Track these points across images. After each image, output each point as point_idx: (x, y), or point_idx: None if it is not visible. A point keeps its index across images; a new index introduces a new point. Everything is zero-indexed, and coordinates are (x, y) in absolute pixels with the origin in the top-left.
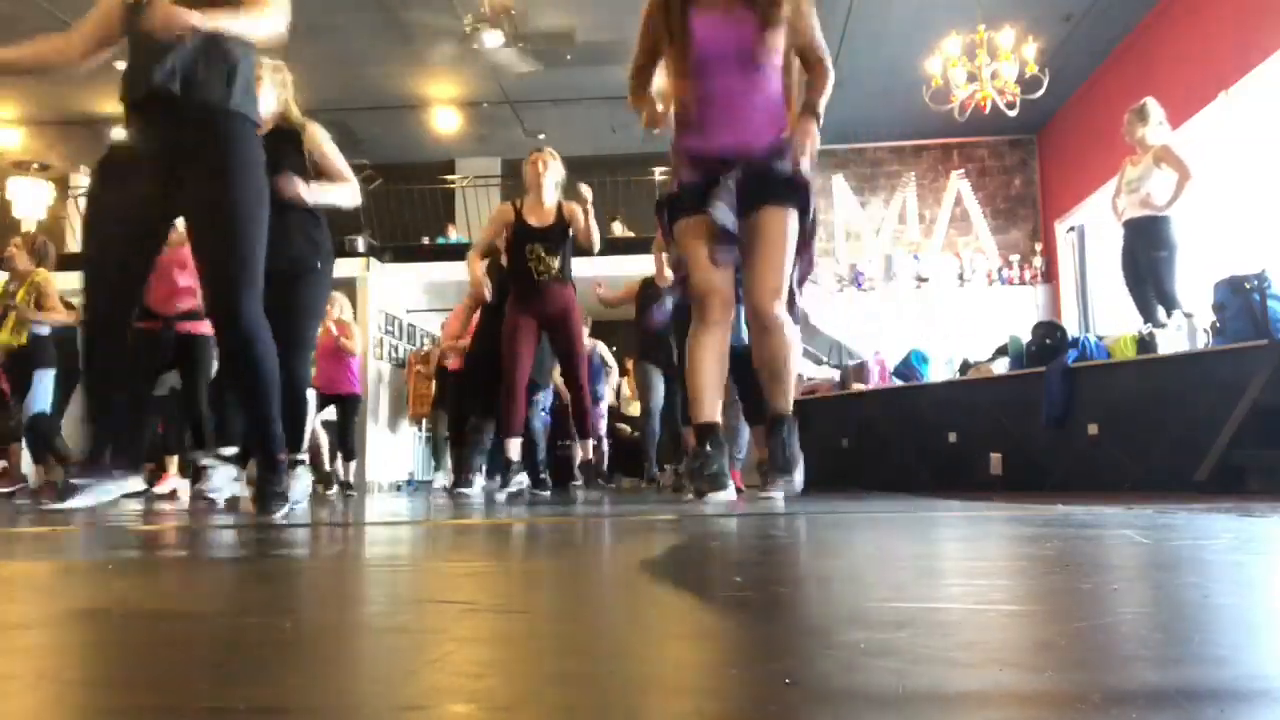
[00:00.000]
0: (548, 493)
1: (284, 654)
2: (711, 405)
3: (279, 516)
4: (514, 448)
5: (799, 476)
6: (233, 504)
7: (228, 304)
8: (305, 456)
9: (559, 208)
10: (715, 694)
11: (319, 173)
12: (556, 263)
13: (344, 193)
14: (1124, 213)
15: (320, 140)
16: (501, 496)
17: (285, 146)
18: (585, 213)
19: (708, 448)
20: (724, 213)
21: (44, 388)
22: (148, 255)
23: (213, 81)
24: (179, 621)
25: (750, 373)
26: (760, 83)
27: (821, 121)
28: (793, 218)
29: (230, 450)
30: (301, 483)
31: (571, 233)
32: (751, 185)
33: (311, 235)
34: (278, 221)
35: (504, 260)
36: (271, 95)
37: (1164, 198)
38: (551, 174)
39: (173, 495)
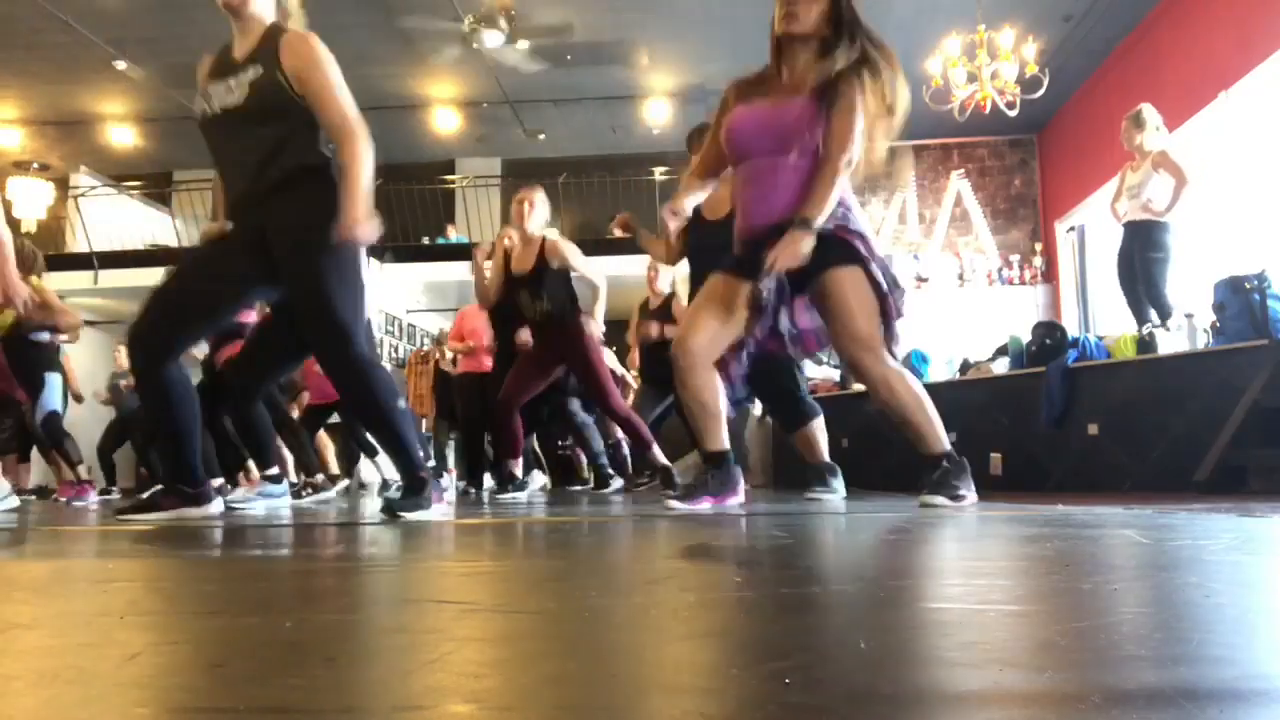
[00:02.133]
0: (616, 484)
1: (284, 654)
2: (717, 434)
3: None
4: (516, 466)
5: (940, 499)
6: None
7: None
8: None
9: (541, 248)
10: (715, 694)
11: None
12: (543, 305)
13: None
14: (1124, 216)
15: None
16: (524, 496)
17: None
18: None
19: (713, 470)
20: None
21: (54, 390)
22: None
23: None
24: (179, 621)
25: (770, 383)
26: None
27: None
28: (846, 272)
29: (272, 471)
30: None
31: (557, 266)
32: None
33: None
34: None
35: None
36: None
37: (1163, 203)
38: (537, 215)
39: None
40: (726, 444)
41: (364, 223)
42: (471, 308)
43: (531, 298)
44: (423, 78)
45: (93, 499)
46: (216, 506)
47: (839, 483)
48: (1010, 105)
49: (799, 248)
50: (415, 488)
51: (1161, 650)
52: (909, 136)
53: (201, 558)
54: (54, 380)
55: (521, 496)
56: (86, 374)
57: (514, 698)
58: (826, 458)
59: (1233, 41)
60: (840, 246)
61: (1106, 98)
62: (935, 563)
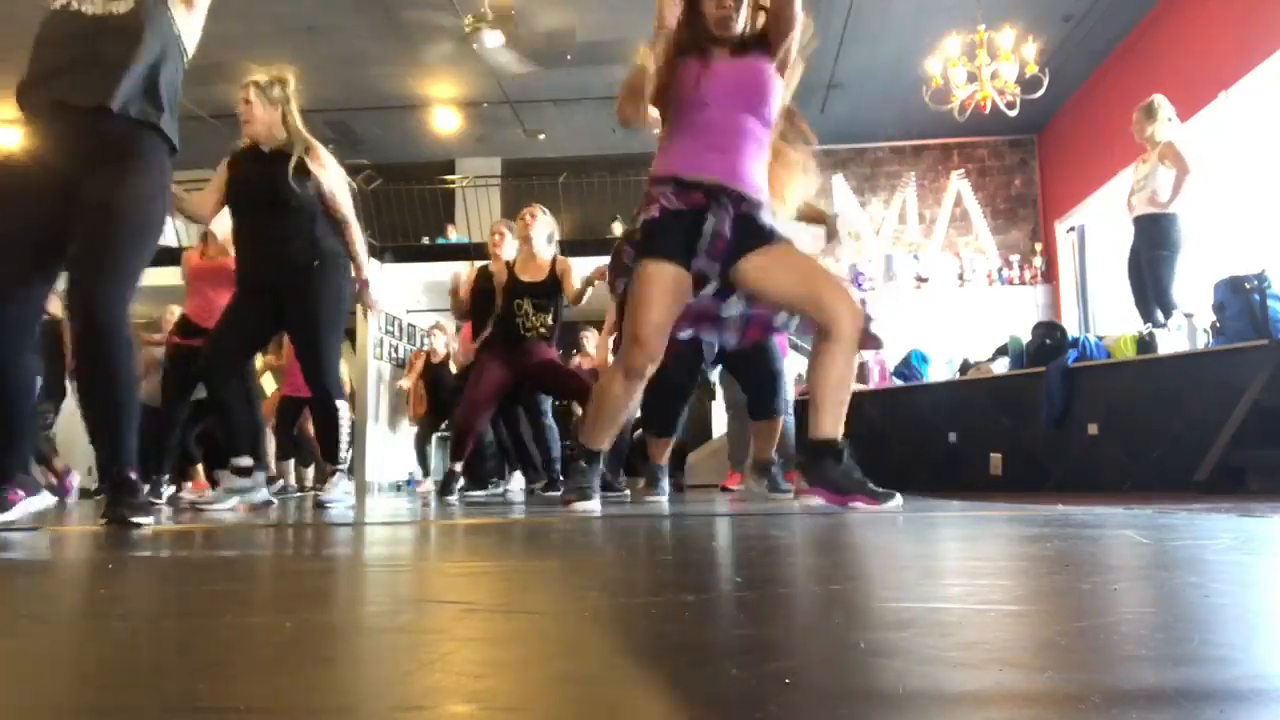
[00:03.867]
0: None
1: (284, 654)
2: (609, 436)
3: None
4: (457, 467)
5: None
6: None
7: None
8: (343, 467)
9: (553, 264)
10: (715, 694)
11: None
12: (546, 320)
13: (356, 232)
14: (1134, 210)
15: (325, 168)
16: (453, 498)
17: (283, 167)
18: (584, 282)
19: (585, 464)
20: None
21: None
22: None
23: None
24: (179, 621)
25: (750, 369)
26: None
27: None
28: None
29: (245, 461)
30: (339, 488)
31: (562, 288)
32: (742, 233)
33: (309, 244)
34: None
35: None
36: (265, 113)
37: (1167, 194)
38: (540, 228)
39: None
40: (607, 447)
41: None
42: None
43: (536, 309)
44: (423, 78)
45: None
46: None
47: (784, 484)
48: (1010, 105)
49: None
50: (119, 481)
51: (1161, 650)
52: (909, 136)
53: (201, 558)
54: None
55: (478, 495)
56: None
57: (514, 698)
58: (775, 455)
59: (1233, 41)
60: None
61: (1106, 98)
62: (935, 563)
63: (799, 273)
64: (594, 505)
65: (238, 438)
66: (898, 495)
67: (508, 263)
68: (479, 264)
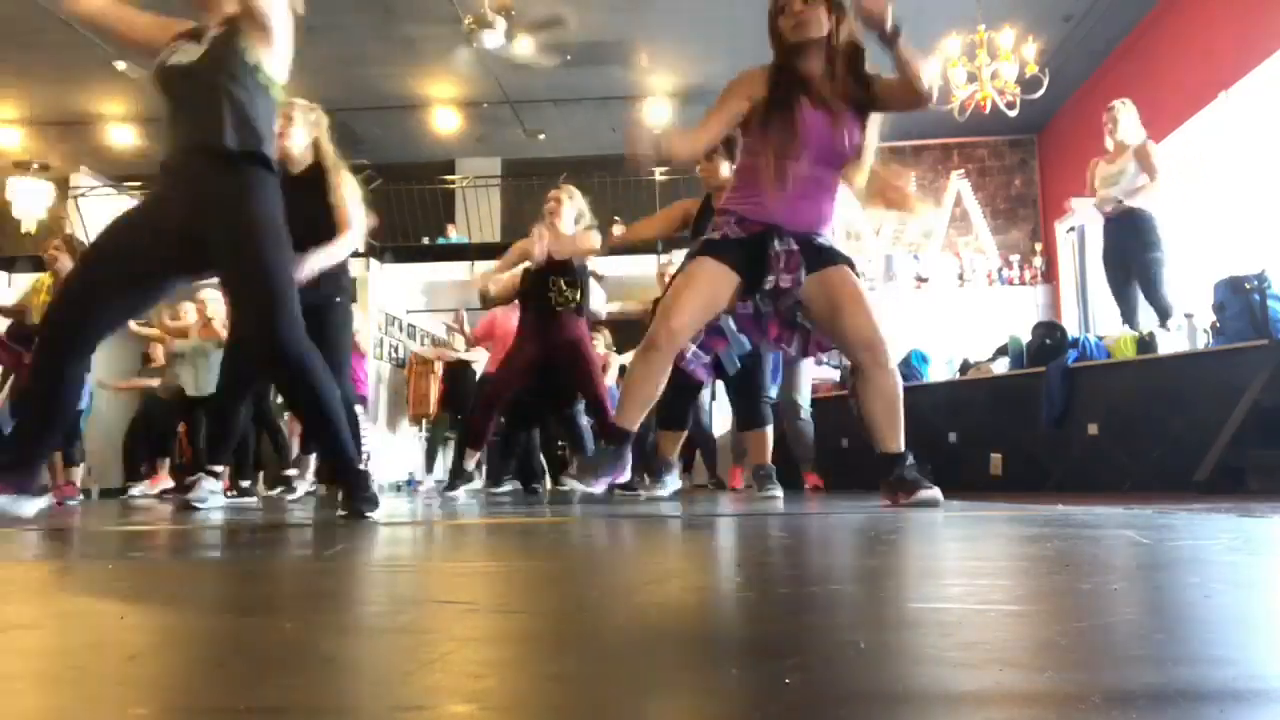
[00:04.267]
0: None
1: (284, 654)
2: (637, 416)
3: (374, 516)
4: (471, 459)
5: (927, 494)
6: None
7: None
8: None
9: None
10: (715, 694)
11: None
12: (577, 295)
13: (344, 245)
14: (1107, 208)
15: (344, 185)
16: (458, 494)
17: (314, 190)
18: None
19: (611, 446)
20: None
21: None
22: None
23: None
24: (179, 621)
25: (736, 382)
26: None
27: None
28: (851, 273)
29: (219, 467)
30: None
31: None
32: (806, 252)
33: (327, 273)
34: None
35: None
36: (303, 134)
37: (1135, 194)
38: (570, 208)
39: (161, 496)
40: (636, 426)
41: None
42: (503, 310)
43: (568, 285)
44: (423, 78)
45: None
46: (38, 503)
47: (777, 487)
48: (1010, 105)
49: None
50: (351, 476)
51: (1161, 650)
52: (909, 136)
53: (201, 558)
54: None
55: (476, 486)
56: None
57: (514, 698)
58: (769, 461)
59: (1233, 41)
60: (843, 256)
61: (1106, 98)
62: (935, 563)
63: (849, 310)
64: (593, 488)
65: (226, 444)
66: (937, 490)
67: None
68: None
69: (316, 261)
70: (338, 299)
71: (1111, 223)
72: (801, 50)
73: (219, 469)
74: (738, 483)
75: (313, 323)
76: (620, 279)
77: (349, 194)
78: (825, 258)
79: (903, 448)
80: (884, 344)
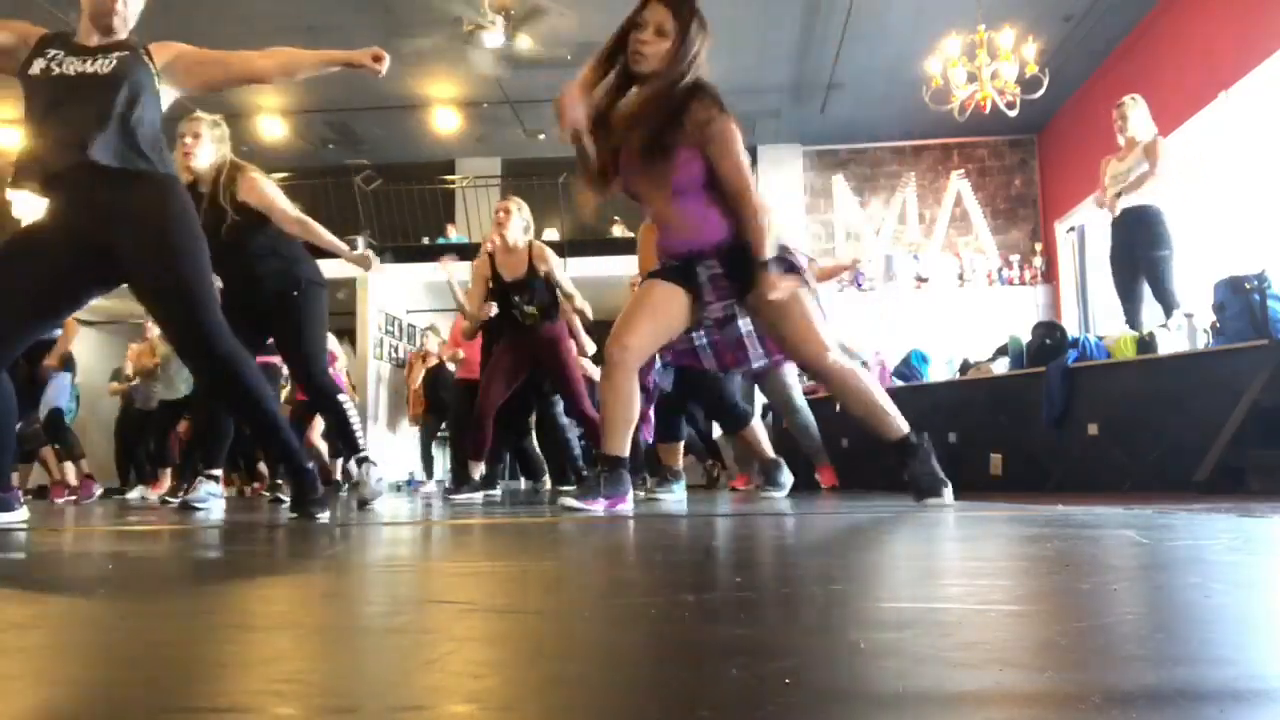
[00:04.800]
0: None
1: (284, 654)
2: (623, 440)
3: (323, 519)
4: (476, 469)
5: (935, 501)
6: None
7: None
8: (366, 453)
9: (529, 253)
10: (715, 694)
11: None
12: (537, 309)
13: (315, 228)
14: (1116, 206)
15: (258, 183)
16: (461, 498)
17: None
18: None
19: (606, 470)
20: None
21: (62, 387)
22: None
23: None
24: (179, 621)
25: (705, 392)
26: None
27: (770, 263)
28: (787, 279)
29: (216, 471)
30: (373, 482)
31: (544, 271)
32: (734, 270)
33: (278, 261)
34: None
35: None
36: (211, 150)
37: (1134, 186)
38: (515, 226)
39: (164, 500)
40: (627, 451)
41: None
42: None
43: (525, 302)
44: (422, 77)
45: (98, 493)
46: (22, 513)
47: (785, 477)
48: (1010, 105)
49: (778, 283)
50: (298, 476)
51: (1161, 650)
52: (909, 136)
53: (201, 558)
54: (62, 378)
55: (477, 497)
56: (85, 370)
57: (514, 698)
58: (770, 454)
59: (1233, 41)
60: (777, 261)
61: (1106, 98)
62: (935, 563)
63: (779, 322)
64: (588, 507)
65: (218, 445)
66: (948, 493)
67: (491, 259)
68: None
69: (332, 244)
70: (294, 292)
71: (1120, 220)
72: (636, 79)
73: (216, 471)
74: (743, 484)
75: (274, 319)
76: (615, 278)
77: (269, 188)
78: (752, 269)
79: (904, 431)
80: (818, 344)
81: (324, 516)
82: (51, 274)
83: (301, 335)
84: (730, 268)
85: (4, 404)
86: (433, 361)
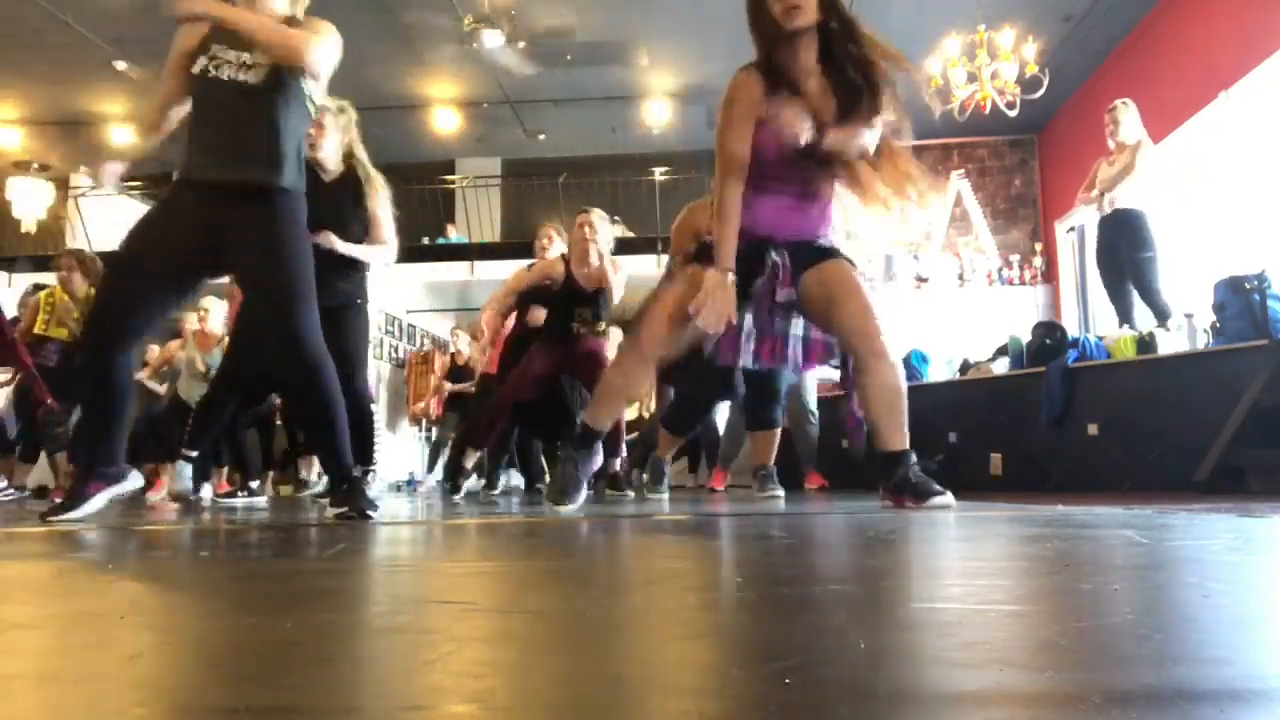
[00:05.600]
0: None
1: (284, 654)
2: (609, 419)
3: (373, 515)
4: (471, 458)
5: (939, 500)
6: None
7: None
8: (375, 468)
9: (604, 271)
10: (715, 694)
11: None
12: (600, 326)
13: (377, 254)
14: (1105, 209)
15: (378, 196)
16: (459, 498)
17: (346, 195)
18: (601, 258)
19: (577, 451)
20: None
21: None
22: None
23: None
24: (179, 621)
25: (754, 383)
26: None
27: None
28: (852, 269)
29: (192, 453)
30: (372, 489)
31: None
32: (801, 256)
33: (350, 277)
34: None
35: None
36: (336, 140)
37: (1114, 187)
38: (600, 238)
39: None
40: (607, 428)
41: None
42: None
43: (593, 316)
44: (423, 78)
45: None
46: (136, 480)
47: (778, 487)
48: (1010, 105)
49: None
50: (348, 482)
51: (1161, 650)
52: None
53: (201, 558)
54: None
55: (476, 484)
56: None
57: (514, 698)
58: (771, 462)
59: (1233, 41)
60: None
61: (1106, 98)
62: (935, 563)
63: (843, 300)
64: (572, 508)
65: (207, 432)
66: (949, 495)
67: (565, 263)
68: (533, 264)
69: (346, 248)
70: (358, 300)
71: (1103, 221)
72: (792, 40)
73: (193, 454)
74: (719, 483)
75: (331, 326)
76: (621, 279)
77: (383, 211)
78: (825, 254)
79: (906, 445)
80: (880, 333)
81: (374, 514)
82: (178, 265)
83: (357, 345)
84: (798, 256)
85: (124, 384)
86: (460, 361)
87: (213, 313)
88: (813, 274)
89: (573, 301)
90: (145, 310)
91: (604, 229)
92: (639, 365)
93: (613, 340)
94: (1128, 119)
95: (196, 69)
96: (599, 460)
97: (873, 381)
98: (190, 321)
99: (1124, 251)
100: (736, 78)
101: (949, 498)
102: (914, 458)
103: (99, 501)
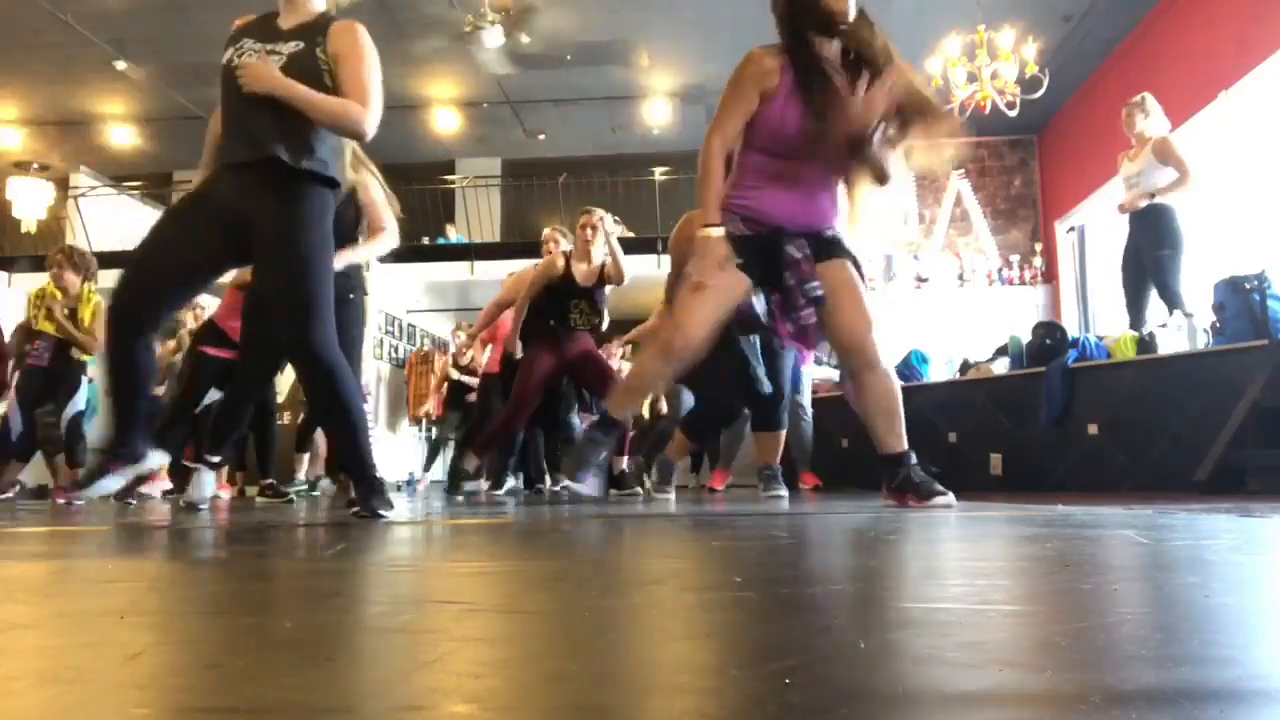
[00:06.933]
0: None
1: (284, 654)
2: (629, 407)
3: (389, 515)
4: (471, 461)
5: (941, 500)
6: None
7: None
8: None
9: (602, 265)
10: (715, 694)
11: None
12: (596, 318)
13: (380, 246)
14: (1127, 207)
15: (371, 189)
16: (460, 499)
17: (349, 205)
18: (611, 250)
19: (597, 435)
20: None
21: (80, 393)
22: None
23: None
24: (179, 621)
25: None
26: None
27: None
28: (853, 269)
29: (215, 458)
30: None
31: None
32: (815, 248)
33: (344, 270)
34: None
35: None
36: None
37: (1161, 186)
38: (601, 239)
39: (163, 496)
40: (630, 420)
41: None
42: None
43: (591, 309)
44: (423, 78)
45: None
46: (157, 458)
47: (782, 487)
48: (1010, 105)
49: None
50: (366, 482)
51: (1161, 650)
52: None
53: (201, 558)
54: (85, 383)
55: (481, 485)
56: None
57: (514, 698)
58: (775, 463)
59: (1233, 41)
60: (848, 250)
61: (1106, 98)
62: (935, 563)
63: (844, 309)
64: (585, 488)
65: (230, 434)
66: (951, 495)
67: (565, 258)
68: (537, 263)
69: (355, 256)
70: (350, 295)
71: (1134, 219)
72: (829, 32)
73: (216, 459)
74: (719, 483)
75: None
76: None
77: (377, 195)
78: (831, 250)
79: (905, 447)
80: (874, 346)
81: (389, 514)
82: (206, 247)
83: (349, 338)
84: (814, 246)
85: (146, 365)
86: (462, 360)
87: (209, 313)
88: (820, 269)
89: (571, 295)
90: (169, 293)
91: (612, 231)
92: (672, 366)
93: (614, 354)
94: (1144, 114)
95: (224, 61)
96: (607, 447)
97: (868, 393)
98: (188, 321)
99: (1145, 250)
100: (753, 51)
101: (951, 498)
102: (914, 458)
103: (118, 480)
